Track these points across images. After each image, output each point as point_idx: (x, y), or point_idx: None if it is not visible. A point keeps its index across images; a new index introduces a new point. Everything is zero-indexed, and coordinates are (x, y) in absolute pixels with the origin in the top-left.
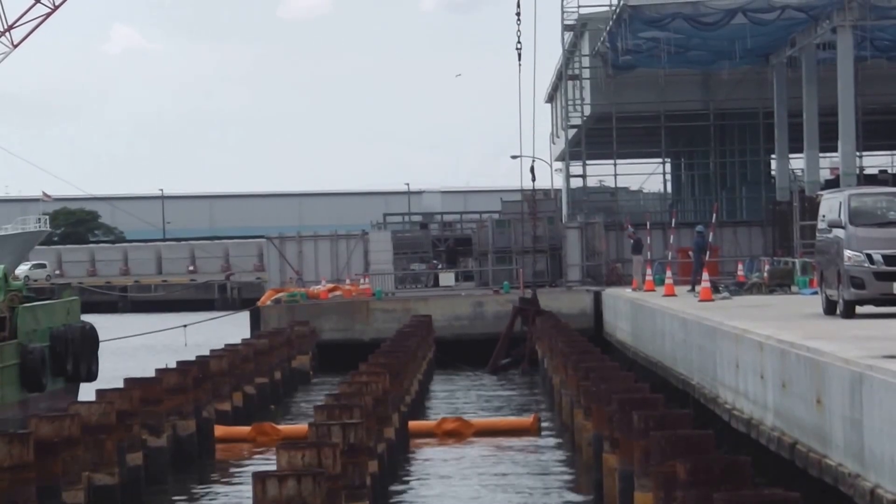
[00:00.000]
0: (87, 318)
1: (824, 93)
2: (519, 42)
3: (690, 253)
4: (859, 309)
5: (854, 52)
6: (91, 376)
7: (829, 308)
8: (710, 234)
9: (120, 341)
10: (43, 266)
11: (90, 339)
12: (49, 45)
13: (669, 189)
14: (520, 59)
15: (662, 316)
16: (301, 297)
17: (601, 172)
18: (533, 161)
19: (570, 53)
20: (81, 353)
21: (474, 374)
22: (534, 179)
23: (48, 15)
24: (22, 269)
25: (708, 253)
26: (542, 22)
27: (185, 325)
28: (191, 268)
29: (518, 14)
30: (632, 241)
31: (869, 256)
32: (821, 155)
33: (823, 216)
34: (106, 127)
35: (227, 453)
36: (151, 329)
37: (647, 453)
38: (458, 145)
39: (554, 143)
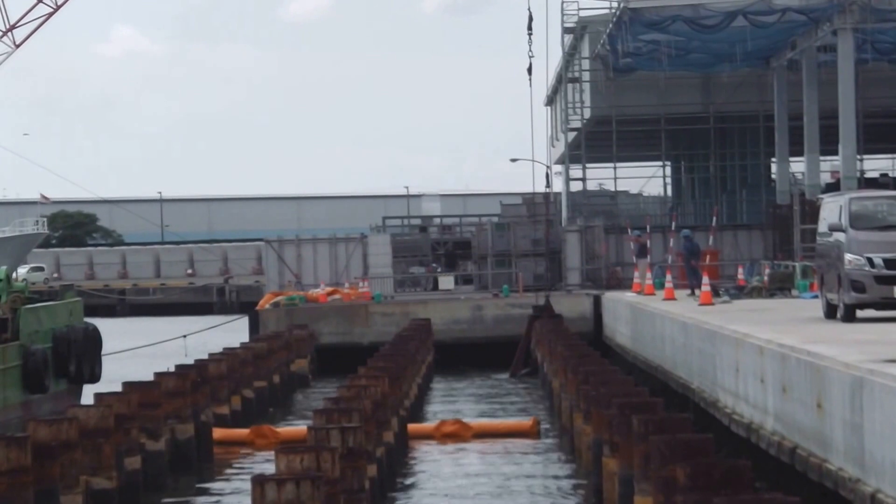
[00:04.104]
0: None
1: (825, 96)
2: (531, 52)
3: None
4: (860, 313)
5: (855, 55)
6: (94, 378)
7: (830, 312)
8: (711, 238)
9: (118, 344)
10: (41, 269)
11: (93, 341)
12: (50, 46)
13: (669, 192)
14: (530, 74)
15: (662, 320)
16: (300, 301)
17: (601, 176)
18: (548, 167)
19: (570, 56)
20: (84, 354)
21: (494, 379)
22: (548, 185)
23: (50, 15)
24: (20, 272)
25: (700, 256)
26: (542, 25)
27: (184, 336)
28: (189, 271)
29: (530, 33)
30: (636, 244)
31: (869, 260)
32: (821, 158)
33: (824, 218)
34: (105, 129)
35: (225, 456)
36: (150, 334)
37: (647, 457)
38: (457, 148)
39: (553, 147)
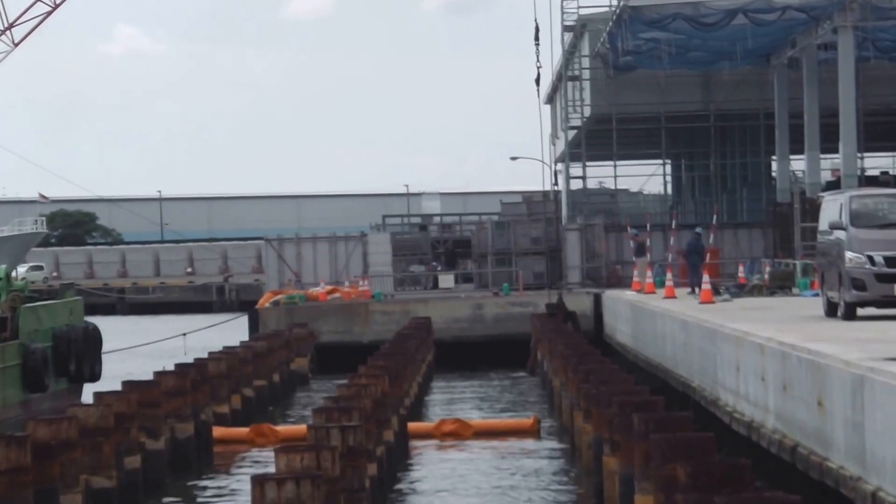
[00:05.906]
0: None
1: (825, 94)
2: (539, 62)
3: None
4: (860, 311)
5: (855, 53)
6: (94, 377)
7: (831, 310)
8: (711, 237)
9: (118, 343)
10: (40, 268)
11: (93, 340)
12: (50, 45)
13: (670, 191)
14: (538, 84)
15: (663, 318)
16: (300, 300)
17: (601, 174)
18: (554, 167)
19: (570, 54)
20: (84, 353)
21: (514, 374)
22: (555, 184)
23: (49, 13)
24: (19, 271)
25: (703, 255)
26: (542, 23)
27: (184, 334)
28: (189, 270)
29: (537, 43)
30: (635, 243)
31: (870, 258)
32: (822, 156)
33: (826, 211)
34: (104, 128)
35: (225, 456)
36: (150, 332)
37: (648, 456)
38: (457, 147)
39: (553, 145)
